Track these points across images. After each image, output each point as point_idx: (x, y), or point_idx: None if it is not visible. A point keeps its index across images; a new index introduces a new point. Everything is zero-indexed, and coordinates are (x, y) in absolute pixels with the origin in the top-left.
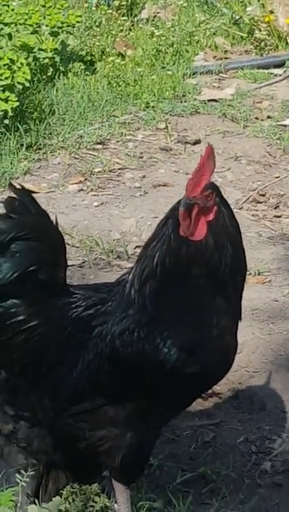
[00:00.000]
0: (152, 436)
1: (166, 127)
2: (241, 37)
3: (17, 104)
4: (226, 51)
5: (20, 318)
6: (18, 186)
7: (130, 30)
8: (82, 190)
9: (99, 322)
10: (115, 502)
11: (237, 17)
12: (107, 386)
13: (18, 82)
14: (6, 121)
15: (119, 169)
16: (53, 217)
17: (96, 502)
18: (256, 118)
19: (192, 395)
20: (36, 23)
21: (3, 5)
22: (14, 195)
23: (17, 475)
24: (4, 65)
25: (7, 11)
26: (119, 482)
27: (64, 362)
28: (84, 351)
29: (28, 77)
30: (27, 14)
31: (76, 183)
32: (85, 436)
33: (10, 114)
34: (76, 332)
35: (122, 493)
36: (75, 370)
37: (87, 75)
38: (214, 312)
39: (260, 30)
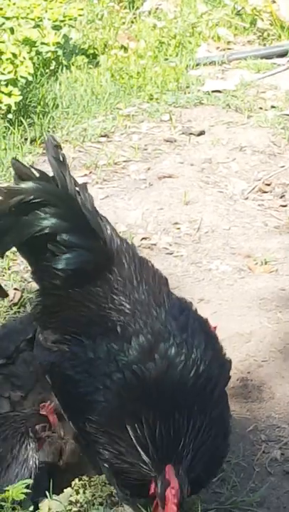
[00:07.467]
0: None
1: (170, 119)
2: (244, 27)
3: (20, 98)
4: (228, 42)
5: None
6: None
7: (132, 22)
8: (87, 183)
9: None
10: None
11: (239, 7)
12: None
13: (21, 77)
14: (10, 116)
15: (124, 162)
16: None
17: (104, 492)
18: (260, 108)
19: None
20: (38, 17)
21: None
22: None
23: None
24: (7, 60)
25: (8, 5)
26: None
27: None
28: None
29: (31, 71)
30: (29, 8)
31: (81, 176)
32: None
33: (13, 108)
34: None
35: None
36: None
37: (90, 68)
38: None
39: (262, 21)
